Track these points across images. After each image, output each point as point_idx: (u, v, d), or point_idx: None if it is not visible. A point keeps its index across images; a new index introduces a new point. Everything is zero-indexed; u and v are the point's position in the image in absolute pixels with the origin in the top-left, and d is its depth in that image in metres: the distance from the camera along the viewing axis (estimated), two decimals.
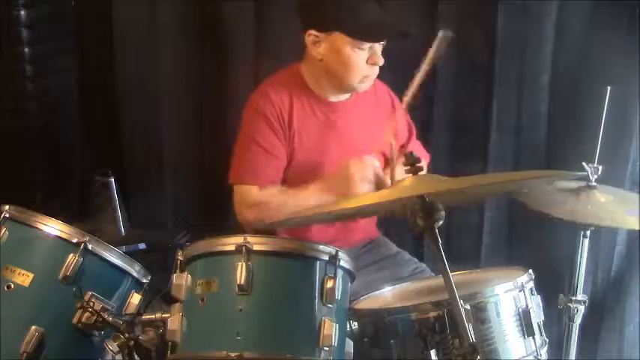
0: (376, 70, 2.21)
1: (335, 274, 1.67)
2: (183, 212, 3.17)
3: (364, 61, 2.18)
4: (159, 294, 1.88)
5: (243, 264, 1.62)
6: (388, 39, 2.20)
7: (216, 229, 2.38)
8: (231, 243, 1.66)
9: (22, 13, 2.93)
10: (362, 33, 2.14)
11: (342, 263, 1.70)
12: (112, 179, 2.88)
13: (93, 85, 3.21)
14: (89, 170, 3.00)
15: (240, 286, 1.61)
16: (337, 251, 1.69)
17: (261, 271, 1.63)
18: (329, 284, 1.65)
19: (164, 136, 3.13)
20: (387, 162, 2.41)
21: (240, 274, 1.61)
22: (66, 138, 3.19)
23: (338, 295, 1.66)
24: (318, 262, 1.68)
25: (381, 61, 2.19)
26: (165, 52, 3.04)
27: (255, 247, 1.64)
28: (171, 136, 3.13)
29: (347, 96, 2.32)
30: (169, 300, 1.72)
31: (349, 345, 1.72)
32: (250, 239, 1.65)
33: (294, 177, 2.28)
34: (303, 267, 1.67)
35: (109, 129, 3.20)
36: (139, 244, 2.82)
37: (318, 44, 2.18)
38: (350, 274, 1.76)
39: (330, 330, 1.62)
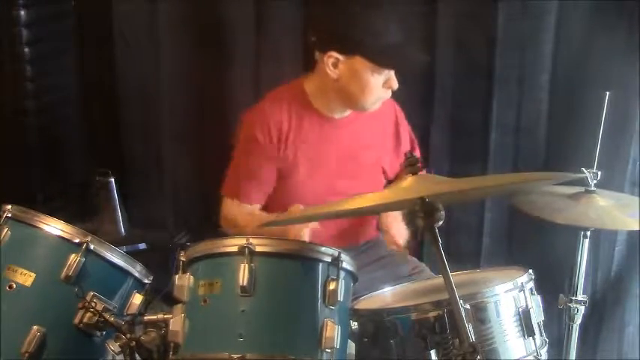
0: (389, 92, 2.22)
1: (337, 275, 1.67)
2: (183, 212, 3.17)
3: (381, 84, 2.18)
4: (159, 294, 1.88)
5: (246, 265, 1.61)
6: (410, 67, 2.24)
7: (215, 229, 2.40)
8: (233, 244, 1.65)
9: (22, 13, 2.93)
10: (385, 59, 2.14)
11: (344, 265, 1.69)
12: (112, 179, 2.88)
13: (93, 85, 3.21)
14: (89, 170, 3.00)
15: (242, 287, 1.60)
16: (340, 253, 1.69)
17: (263, 273, 1.63)
18: (331, 286, 1.65)
19: (164, 136, 3.13)
20: (388, 179, 2.43)
21: (243, 275, 1.61)
22: (66, 138, 3.19)
23: (340, 297, 1.66)
24: (320, 263, 1.67)
25: (396, 86, 2.20)
26: (166, 52, 3.04)
27: (258, 249, 1.64)
28: (171, 136, 3.13)
29: (349, 111, 2.32)
30: (169, 300, 1.72)
31: (351, 347, 1.72)
32: (253, 240, 1.64)
33: (295, 189, 2.29)
34: (306, 269, 1.67)
35: (109, 129, 3.20)
36: (139, 244, 2.82)
37: (337, 65, 2.17)
38: (352, 276, 1.76)
39: (333, 332, 1.62)
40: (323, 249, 1.68)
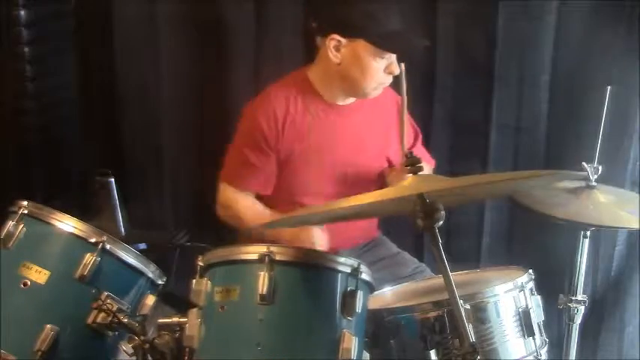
0: (390, 78, 2.23)
1: (356, 286, 1.66)
2: (183, 212, 3.16)
3: (382, 69, 2.19)
4: (159, 295, 1.88)
5: (266, 274, 1.60)
6: (410, 52, 2.24)
7: (215, 229, 2.39)
8: (254, 252, 1.64)
9: (22, 13, 2.92)
10: (386, 43, 2.15)
11: (363, 276, 1.69)
12: (112, 179, 2.87)
13: (93, 85, 3.21)
14: (89, 170, 3.00)
15: (262, 295, 1.59)
16: (359, 264, 1.68)
17: (283, 282, 1.62)
18: (350, 297, 1.65)
19: (164, 136, 3.13)
20: (392, 166, 2.42)
21: (263, 283, 1.60)
22: (66, 138, 3.19)
23: (358, 309, 1.65)
24: (340, 274, 1.66)
25: (397, 71, 2.20)
26: (166, 52, 3.04)
27: (278, 257, 1.63)
28: (171, 136, 3.12)
29: (353, 99, 2.32)
30: (169, 301, 1.72)
31: (366, 357, 1.71)
32: (273, 249, 1.63)
33: (298, 177, 2.29)
34: (325, 279, 1.66)
35: (109, 129, 3.20)
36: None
37: (338, 49, 2.18)
38: (370, 286, 1.75)
39: (350, 343, 1.61)
40: (342, 259, 1.67)
